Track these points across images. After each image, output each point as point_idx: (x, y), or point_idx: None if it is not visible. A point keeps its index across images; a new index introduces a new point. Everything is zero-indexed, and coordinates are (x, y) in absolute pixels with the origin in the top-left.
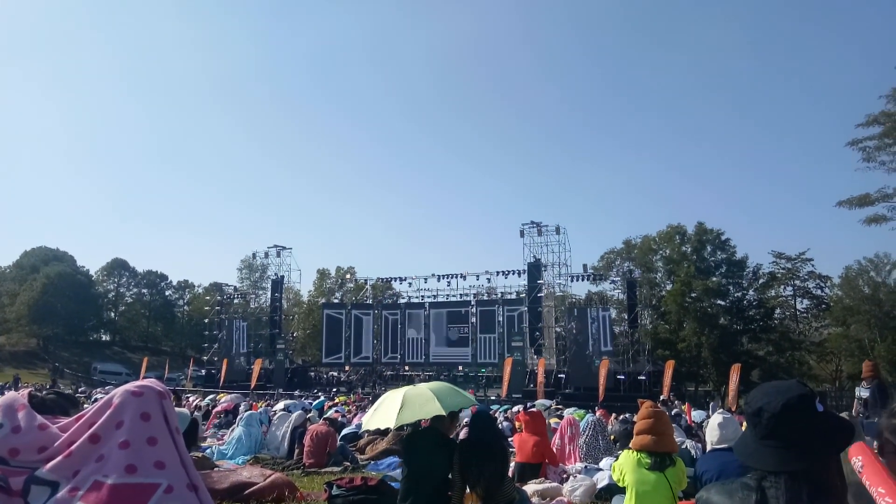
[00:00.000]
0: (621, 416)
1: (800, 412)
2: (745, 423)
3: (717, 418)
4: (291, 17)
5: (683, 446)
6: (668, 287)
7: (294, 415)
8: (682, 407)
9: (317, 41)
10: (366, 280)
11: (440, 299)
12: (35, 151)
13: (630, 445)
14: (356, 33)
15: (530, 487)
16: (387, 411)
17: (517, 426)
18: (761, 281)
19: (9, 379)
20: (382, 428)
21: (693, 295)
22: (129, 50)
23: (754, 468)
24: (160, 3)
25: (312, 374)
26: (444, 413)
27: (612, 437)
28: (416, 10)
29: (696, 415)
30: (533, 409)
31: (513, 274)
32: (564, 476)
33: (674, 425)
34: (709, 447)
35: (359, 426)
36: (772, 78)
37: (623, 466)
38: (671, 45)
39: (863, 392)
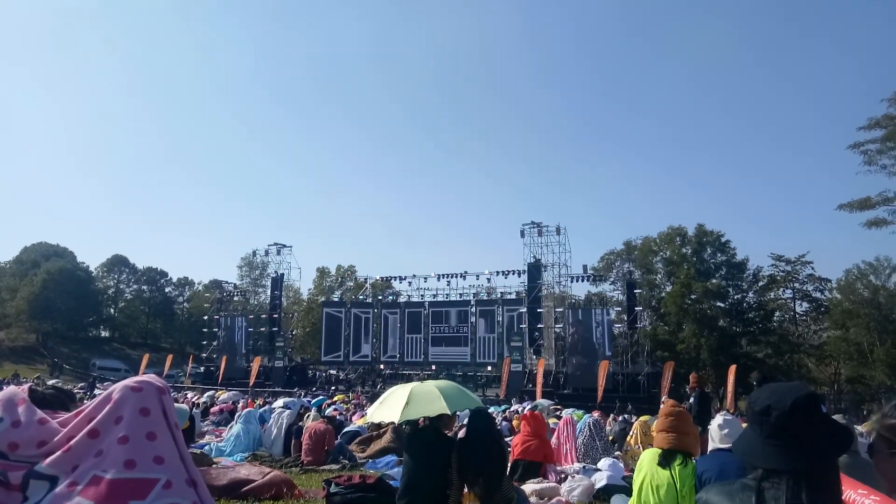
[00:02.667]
0: (620, 417)
1: (808, 412)
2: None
3: (718, 419)
4: (293, 18)
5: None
6: (668, 288)
7: (287, 412)
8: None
9: (318, 42)
10: (366, 279)
11: (440, 299)
12: (36, 148)
13: (652, 444)
14: (357, 34)
15: (529, 487)
16: (392, 406)
17: (515, 425)
18: (761, 283)
19: (7, 375)
20: (386, 421)
21: (693, 297)
22: (131, 48)
23: (756, 467)
24: (163, 4)
25: (311, 372)
26: (449, 412)
27: (611, 437)
28: (417, 13)
29: None
30: (534, 411)
31: (513, 274)
32: (562, 476)
33: None
34: (710, 447)
35: (360, 427)
36: (773, 81)
37: (644, 459)
38: (671, 49)
39: (691, 400)
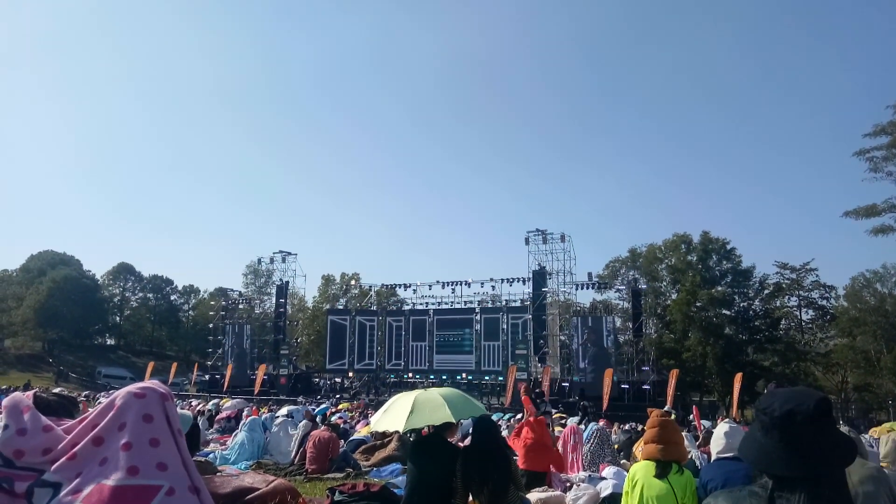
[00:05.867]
0: (626, 426)
1: (827, 416)
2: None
3: (723, 427)
4: (298, 23)
5: (689, 457)
6: (673, 296)
7: (302, 422)
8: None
9: (323, 48)
10: (370, 286)
11: (444, 306)
12: (42, 156)
13: (640, 455)
14: (362, 41)
15: (533, 496)
16: (396, 414)
17: (522, 431)
18: (767, 291)
19: (14, 383)
20: (391, 430)
21: (698, 304)
22: (137, 55)
23: (772, 474)
24: (167, 9)
25: (316, 380)
26: (454, 420)
27: (616, 446)
28: (422, 19)
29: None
30: (539, 417)
31: (517, 282)
32: (567, 485)
33: (685, 434)
34: (713, 456)
35: (365, 436)
36: (778, 88)
37: (636, 473)
38: (676, 56)
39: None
